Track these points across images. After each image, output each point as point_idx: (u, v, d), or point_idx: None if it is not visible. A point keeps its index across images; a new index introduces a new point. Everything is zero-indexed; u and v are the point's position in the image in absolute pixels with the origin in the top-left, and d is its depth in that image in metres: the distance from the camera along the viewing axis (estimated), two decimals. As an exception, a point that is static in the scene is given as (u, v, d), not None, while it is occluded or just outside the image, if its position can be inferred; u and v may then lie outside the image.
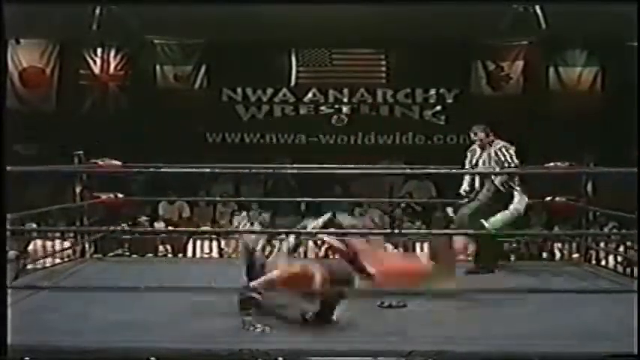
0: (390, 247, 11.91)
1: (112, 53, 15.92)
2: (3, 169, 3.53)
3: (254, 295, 5.28)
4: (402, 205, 14.57)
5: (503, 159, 7.87)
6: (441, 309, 5.80)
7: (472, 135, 8.19)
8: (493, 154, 7.96)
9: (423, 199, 15.05)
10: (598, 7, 12.77)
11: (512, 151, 7.91)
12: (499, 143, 8.00)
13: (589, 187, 8.48)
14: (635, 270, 9.76)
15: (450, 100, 16.22)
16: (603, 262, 9.13)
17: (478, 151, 8.14)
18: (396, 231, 11.77)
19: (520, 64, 16.04)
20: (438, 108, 16.27)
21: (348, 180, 15.00)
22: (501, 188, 7.84)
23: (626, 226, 10.58)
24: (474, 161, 8.18)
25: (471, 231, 7.59)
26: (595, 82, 16.05)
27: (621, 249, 10.46)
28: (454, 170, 8.47)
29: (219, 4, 12.68)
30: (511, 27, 14.25)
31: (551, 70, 16.06)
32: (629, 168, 8.28)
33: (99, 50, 15.87)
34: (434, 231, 11.52)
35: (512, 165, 7.78)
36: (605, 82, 15.95)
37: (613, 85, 15.80)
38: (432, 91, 16.28)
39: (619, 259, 10.10)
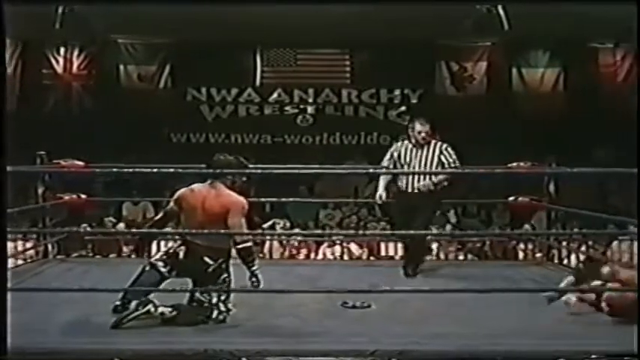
0: (354, 246, 11.99)
1: (76, 53, 15.82)
2: (3, 170, 3.54)
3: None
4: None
5: (450, 160, 7.59)
6: (405, 308, 5.81)
7: (416, 130, 7.67)
8: (437, 154, 7.62)
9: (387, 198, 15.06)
10: (561, 9, 12.86)
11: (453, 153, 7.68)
12: (442, 143, 7.70)
13: (551, 187, 8.53)
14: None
15: (414, 101, 16.29)
16: (566, 261, 9.17)
17: (412, 149, 7.69)
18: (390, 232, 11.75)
19: (483, 64, 16.14)
20: (403, 108, 16.32)
21: (313, 180, 14.99)
22: (433, 189, 7.58)
23: (587, 225, 10.69)
24: (407, 159, 7.67)
25: (460, 232, 7.56)
26: (557, 83, 16.19)
27: (583, 248, 10.55)
28: (435, 171, 8.19)
29: (186, 4, 12.62)
30: (474, 28, 14.31)
31: (514, 70, 16.21)
32: (591, 168, 8.43)
33: (62, 49, 15.74)
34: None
35: (454, 167, 7.59)
36: (568, 82, 16.08)
37: (575, 86, 15.94)
38: (397, 92, 16.35)
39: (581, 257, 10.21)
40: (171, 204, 5.88)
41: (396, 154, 7.77)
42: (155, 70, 16.05)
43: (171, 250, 5.74)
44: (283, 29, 14.35)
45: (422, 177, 7.62)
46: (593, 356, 4.62)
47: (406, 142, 7.79)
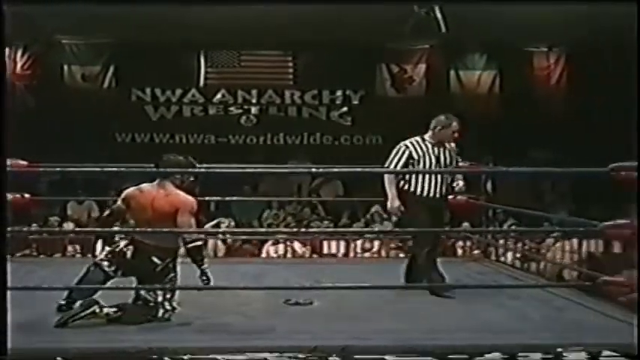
0: (297, 245, 11.99)
1: (19, 53, 15.58)
2: (3, 170, 3.41)
3: None
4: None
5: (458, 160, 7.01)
6: (347, 305, 5.82)
7: (452, 127, 6.86)
8: (454, 155, 6.95)
9: (330, 197, 15.14)
10: (498, 12, 12.99)
11: None
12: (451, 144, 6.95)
13: (488, 185, 8.61)
14: (533, 265, 10.02)
15: (355, 102, 16.35)
16: (502, 259, 9.28)
17: (434, 148, 6.78)
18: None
19: (422, 67, 16.26)
20: (345, 109, 16.39)
21: (257, 180, 14.95)
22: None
23: (523, 223, 10.83)
24: (427, 161, 6.71)
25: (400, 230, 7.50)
26: (493, 85, 16.38)
27: (519, 245, 10.70)
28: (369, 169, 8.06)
29: (130, 3, 12.50)
30: (413, 31, 14.40)
31: (452, 72, 16.36)
32: (527, 168, 8.53)
33: (6, 50, 15.49)
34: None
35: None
36: (503, 84, 16.27)
37: (511, 88, 16.14)
38: (339, 93, 16.40)
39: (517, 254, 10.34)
40: (119, 202, 5.83)
41: (413, 155, 6.70)
42: (99, 71, 15.90)
43: (117, 249, 5.66)
44: (227, 31, 14.31)
45: (444, 180, 6.74)
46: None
47: (419, 140, 6.81)
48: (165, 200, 5.57)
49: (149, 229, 5.56)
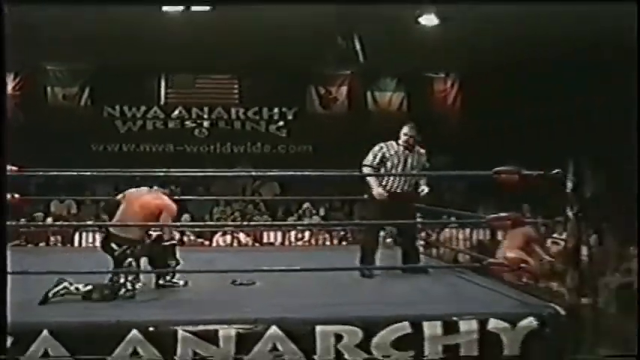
0: (242, 236, 11.93)
1: (11, 76, 15.32)
2: (3, 170, 3.05)
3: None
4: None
5: (427, 165, 6.94)
6: (283, 285, 5.82)
7: (402, 132, 6.78)
8: (424, 160, 6.90)
9: (268, 196, 15.14)
10: (404, 44, 13.13)
11: None
12: (422, 149, 6.93)
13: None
14: (434, 250, 10.10)
15: (290, 117, 16.39)
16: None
17: (403, 152, 6.72)
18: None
19: (345, 89, 16.36)
20: (281, 123, 16.42)
21: (208, 182, 14.85)
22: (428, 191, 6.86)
23: (428, 216, 10.86)
24: (395, 161, 6.68)
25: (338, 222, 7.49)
26: (402, 104, 16.54)
27: (423, 234, 10.78)
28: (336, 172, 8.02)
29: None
30: (337, 60, 14.49)
31: (369, 94, 16.46)
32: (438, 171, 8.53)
33: (-1, 75, 15.23)
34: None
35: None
36: (410, 104, 16.43)
37: (416, 107, 16.30)
38: (276, 110, 16.42)
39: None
40: (119, 196, 5.91)
41: (386, 154, 6.68)
42: (77, 91, 15.77)
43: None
44: (184, 57, 14.24)
45: (409, 180, 6.69)
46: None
47: (394, 144, 6.76)
48: (154, 201, 5.62)
49: (117, 223, 5.56)
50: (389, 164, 6.64)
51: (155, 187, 5.77)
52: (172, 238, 5.87)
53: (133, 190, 5.85)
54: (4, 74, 3.00)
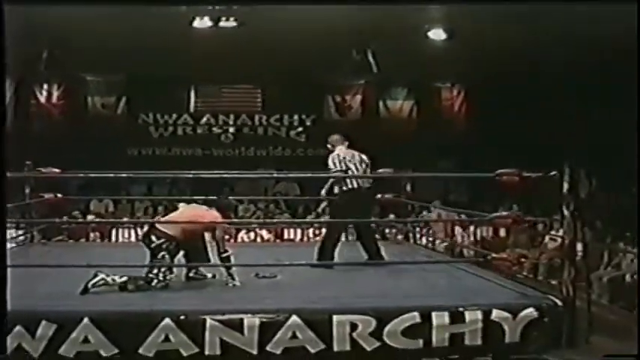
0: (264, 232, 11.94)
1: (55, 87, 15.49)
2: (3, 170, 2.97)
3: None
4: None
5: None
6: (302, 278, 5.83)
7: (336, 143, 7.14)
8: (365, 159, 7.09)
9: (290, 196, 15.16)
10: (416, 56, 13.19)
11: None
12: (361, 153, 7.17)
13: (408, 186, 8.63)
14: (437, 243, 10.05)
15: (309, 123, 16.37)
16: (419, 242, 9.29)
17: (353, 155, 7.05)
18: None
19: (359, 97, 16.31)
20: (300, 129, 16.40)
21: (233, 183, 14.89)
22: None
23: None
24: (349, 162, 6.98)
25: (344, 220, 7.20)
26: (412, 112, 16.46)
27: (431, 231, 10.73)
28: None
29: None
30: (352, 71, 14.54)
31: (381, 102, 16.41)
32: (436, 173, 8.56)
33: (45, 85, 15.45)
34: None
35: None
36: (419, 111, 16.39)
37: (425, 114, 16.26)
38: (296, 117, 16.39)
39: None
40: (181, 205, 6.07)
41: (346, 158, 6.97)
42: (114, 100, 15.79)
43: None
44: (212, 69, 14.30)
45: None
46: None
47: (343, 149, 7.09)
48: (209, 216, 5.69)
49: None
50: (351, 165, 6.93)
51: (212, 208, 5.78)
52: (226, 250, 5.66)
53: (194, 204, 6.00)
54: (4, 75, 2.94)
